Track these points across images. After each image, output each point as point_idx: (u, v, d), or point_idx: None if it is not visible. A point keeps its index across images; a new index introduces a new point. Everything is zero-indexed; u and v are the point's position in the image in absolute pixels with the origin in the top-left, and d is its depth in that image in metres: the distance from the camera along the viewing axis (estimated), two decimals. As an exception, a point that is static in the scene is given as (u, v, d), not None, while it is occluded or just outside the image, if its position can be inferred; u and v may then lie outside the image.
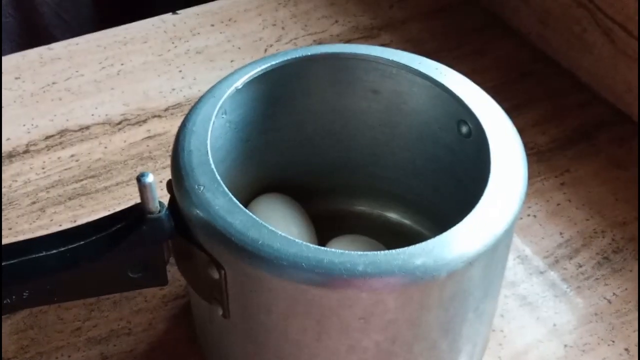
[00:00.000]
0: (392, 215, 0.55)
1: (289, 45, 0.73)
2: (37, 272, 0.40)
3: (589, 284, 0.54)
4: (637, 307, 0.52)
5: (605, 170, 0.62)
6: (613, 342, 0.51)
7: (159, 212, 0.40)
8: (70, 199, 0.59)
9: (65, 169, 0.61)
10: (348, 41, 0.73)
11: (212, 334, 0.46)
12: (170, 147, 0.43)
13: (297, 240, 0.37)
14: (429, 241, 0.38)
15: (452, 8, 0.78)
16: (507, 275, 0.54)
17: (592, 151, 0.63)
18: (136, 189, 0.39)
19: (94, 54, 0.72)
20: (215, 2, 0.78)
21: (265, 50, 0.72)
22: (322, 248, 0.37)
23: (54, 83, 0.68)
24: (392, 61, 0.47)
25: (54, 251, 0.40)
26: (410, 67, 0.47)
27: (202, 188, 0.39)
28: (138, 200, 0.40)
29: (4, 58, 0.71)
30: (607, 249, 0.56)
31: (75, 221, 0.57)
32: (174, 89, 0.68)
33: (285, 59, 0.47)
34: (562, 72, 0.71)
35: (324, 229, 0.51)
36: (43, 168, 0.61)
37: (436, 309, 0.39)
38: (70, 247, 0.40)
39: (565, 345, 0.50)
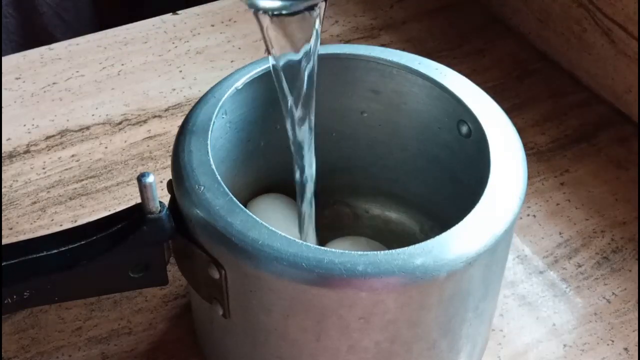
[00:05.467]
0: (392, 215, 0.55)
1: (289, 45, 0.73)
2: (38, 272, 0.40)
3: (588, 283, 0.54)
4: (636, 307, 0.53)
5: (605, 170, 0.62)
6: (612, 341, 0.51)
7: (160, 212, 0.40)
8: (70, 199, 0.59)
9: (66, 169, 0.61)
10: (348, 41, 0.73)
11: (212, 334, 0.46)
12: (171, 147, 0.43)
13: (297, 240, 0.37)
14: (428, 241, 0.38)
15: (452, 8, 0.78)
16: (506, 275, 0.54)
17: (592, 151, 0.63)
18: (136, 189, 0.39)
19: (95, 54, 0.72)
20: (215, 2, 0.78)
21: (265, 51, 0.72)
22: (322, 248, 0.37)
23: (54, 83, 0.68)
24: (392, 61, 0.47)
25: (55, 251, 0.40)
26: (411, 67, 0.47)
27: (202, 188, 0.39)
28: (138, 200, 0.40)
29: (4, 58, 0.71)
30: (607, 248, 0.56)
31: (75, 221, 0.57)
32: (174, 89, 0.68)
33: (286, 59, 0.47)
34: (562, 72, 0.71)
35: (324, 229, 0.51)
36: (44, 168, 0.61)
37: (436, 309, 0.39)
38: (70, 247, 0.40)
39: (565, 345, 0.51)
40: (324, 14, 0.40)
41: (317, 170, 0.53)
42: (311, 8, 0.38)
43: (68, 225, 0.56)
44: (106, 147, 0.63)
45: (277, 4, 0.38)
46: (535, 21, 0.72)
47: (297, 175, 0.46)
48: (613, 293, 0.53)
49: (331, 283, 0.37)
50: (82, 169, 0.61)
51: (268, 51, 0.41)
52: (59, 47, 0.72)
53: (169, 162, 0.42)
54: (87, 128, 0.64)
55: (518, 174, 0.41)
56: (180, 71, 0.70)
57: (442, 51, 0.72)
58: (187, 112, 0.44)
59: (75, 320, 0.51)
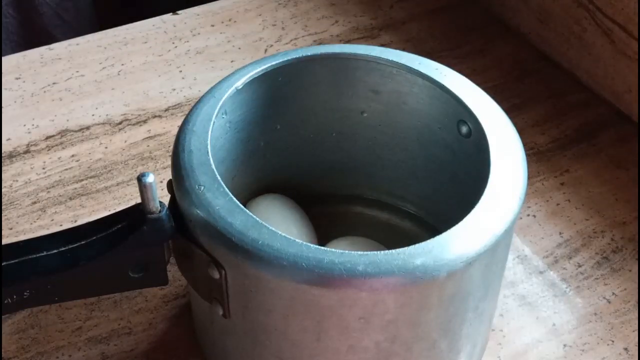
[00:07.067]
0: (392, 215, 0.55)
1: (289, 45, 0.73)
2: (38, 272, 0.40)
3: (588, 283, 0.54)
4: (636, 307, 0.53)
5: (605, 170, 0.62)
6: (612, 341, 0.51)
7: (160, 212, 0.40)
8: (70, 199, 0.59)
9: (66, 169, 0.61)
10: (348, 41, 0.73)
11: (212, 334, 0.46)
12: (171, 147, 0.43)
13: (297, 240, 0.37)
14: (429, 241, 0.38)
15: (452, 8, 0.78)
16: (506, 275, 0.54)
17: (592, 151, 0.63)
18: (137, 189, 0.39)
19: (95, 54, 0.72)
20: (215, 2, 0.78)
21: (265, 51, 0.72)
22: (322, 248, 0.37)
23: (54, 83, 0.68)
24: (392, 61, 0.47)
25: (55, 251, 0.40)
26: (410, 67, 0.47)
27: (202, 188, 0.39)
28: (138, 200, 0.40)
29: (4, 58, 0.71)
30: (607, 248, 0.56)
31: (75, 221, 0.57)
32: (174, 89, 0.68)
33: (285, 59, 0.47)
34: (562, 72, 0.71)
35: (324, 229, 0.51)
36: (44, 168, 0.61)
37: (436, 309, 0.39)
38: (70, 247, 0.40)
39: (565, 345, 0.51)
40: None
41: (317, 170, 0.54)
42: None
43: (68, 225, 0.56)
44: (106, 147, 0.63)
45: None
46: (535, 21, 0.72)
47: None
48: (613, 293, 0.53)
49: (331, 283, 0.37)
50: (82, 169, 0.61)
51: None
52: (59, 47, 0.72)
53: (169, 162, 0.42)
54: (87, 128, 0.64)
55: (518, 174, 0.41)
56: (180, 71, 0.70)
57: (442, 51, 0.72)
58: (187, 112, 0.44)
59: (75, 320, 0.51)
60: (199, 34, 0.74)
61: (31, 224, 0.57)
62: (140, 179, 0.38)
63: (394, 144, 0.51)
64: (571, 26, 0.69)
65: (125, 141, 0.63)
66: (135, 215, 0.40)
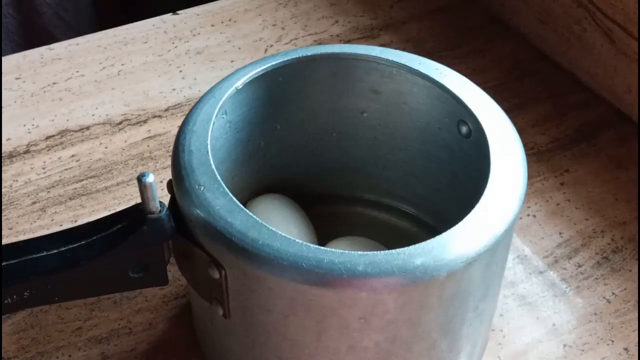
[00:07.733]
0: (392, 215, 0.55)
1: (289, 45, 0.73)
2: (38, 272, 0.40)
3: (588, 283, 0.54)
4: (636, 307, 0.53)
5: (605, 170, 0.62)
6: (612, 341, 0.51)
7: (160, 212, 0.40)
8: (70, 199, 0.59)
9: (66, 169, 0.61)
10: (348, 41, 0.73)
11: (212, 334, 0.46)
12: (171, 147, 0.43)
13: (297, 240, 0.37)
14: (429, 241, 0.38)
15: (452, 8, 0.78)
16: (506, 275, 0.54)
17: (592, 151, 0.63)
18: (137, 189, 0.39)
19: (95, 54, 0.72)
20: (215, 2, 0.78)
21: (265, 51, 0.72)
22: (322, 248, 0.37)
23: (54, 83, 0.68)
24: (392, 61, 0.47)
25: (55, 251, 0.40)
26: (410, 67, 0.47)
27: (202, 188, 0.39)
28: (138, 200, 0.40)
29: (4, 58, 0.71)
30: (607, 248, 0.56)
31: (75, 221, 0.57)
32: (174, 89, 0.68)
33: (285, 59, 0.47)
34: (562, 72, 0.71)
35: (324, 229, 0.52)
36: (44, 168, 0.61)
37: (436, 309, 0.39)
38: (70, 247, 0.40)
39: (565, 345, 0.51)
40: None
41: (317, 170, 0.54)
42: None
43: (68, 225, 0.56)
44: (106, 147, 0.63)
45: None
46: (535, 21, 0.72)
47: None
48: (613, 293, 0.53)
49: (331, 283, 0.37)
50: (82, 169, 0.61)
51: None
52: (59, 47, 0.72)
53: (169, 162, 0.43)
54: (87, 128, 0.64)
55: (518, 174, 0.41)
56: (180, 71, 0.70)
57: (442, 51, 0.72)
58: (187, 112, 0.44)
59: (75, 320, 0.51)
60: (199, 34, 0.74)
61: (31, 224, 0.57)
62: (140, 179, 0.38)
63: (394, 144, 0.51)
64: (571, 26, 0.69)
65: (125, 141, 0.63)
66: (135, 215, 0.40)
